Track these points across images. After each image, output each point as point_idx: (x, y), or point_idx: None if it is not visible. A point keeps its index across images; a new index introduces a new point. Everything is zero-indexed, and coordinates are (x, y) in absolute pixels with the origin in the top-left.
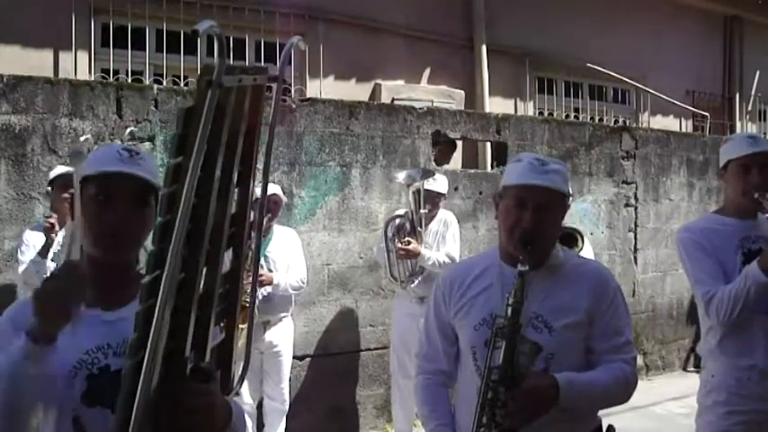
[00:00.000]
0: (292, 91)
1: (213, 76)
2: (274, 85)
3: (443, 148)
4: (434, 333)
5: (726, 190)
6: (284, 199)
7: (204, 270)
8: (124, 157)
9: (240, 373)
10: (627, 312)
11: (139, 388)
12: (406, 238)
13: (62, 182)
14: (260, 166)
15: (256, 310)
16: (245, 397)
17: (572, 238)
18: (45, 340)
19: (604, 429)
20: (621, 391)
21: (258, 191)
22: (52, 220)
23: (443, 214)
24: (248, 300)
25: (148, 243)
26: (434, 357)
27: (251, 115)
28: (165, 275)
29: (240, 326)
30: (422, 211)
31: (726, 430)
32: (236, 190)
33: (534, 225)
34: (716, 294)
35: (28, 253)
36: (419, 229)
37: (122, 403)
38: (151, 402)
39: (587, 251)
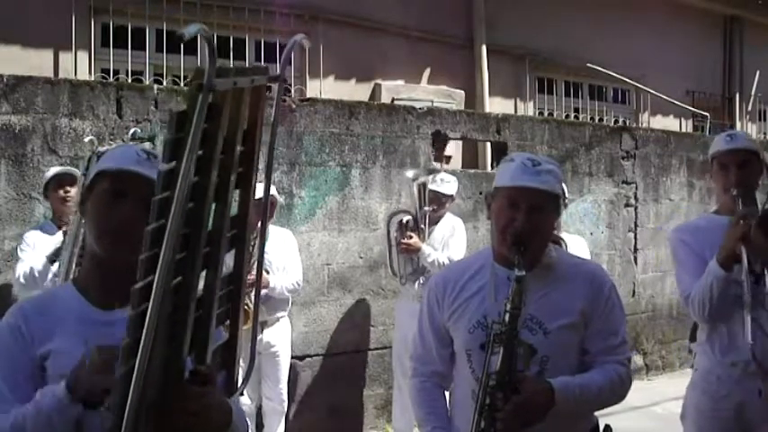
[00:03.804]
0: (292, 91)
1: (204, 79)
2: (275, 86)
3: (437, 146)
4: (428, 335)
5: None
6: (279, 200)
7: (204, 273)
8: (142, 159)
9: (244, 374)
10: (622, 312)
11: (130, 395)
12: (408, 233)
13: (56, 182)
14: (262, 165)
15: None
16: (244, 398)
17: None
18: (89, 402)
19: (601, 429)
20: (616, 393)
21: (260, 191)
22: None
23: (452, 220)
24: (249, 302)
25: None
26: (429, 359)
27: (251, 115)
28: (156, 282)
29: (243, 327)
30: (425, 208)
31: (711, 416)
32: (236, 191)
33: (527, 226)
34: (691, 293)
35: (28, 252)
36: (422, 225)
37: (115, 410)
38: (148, 405)
39: None
